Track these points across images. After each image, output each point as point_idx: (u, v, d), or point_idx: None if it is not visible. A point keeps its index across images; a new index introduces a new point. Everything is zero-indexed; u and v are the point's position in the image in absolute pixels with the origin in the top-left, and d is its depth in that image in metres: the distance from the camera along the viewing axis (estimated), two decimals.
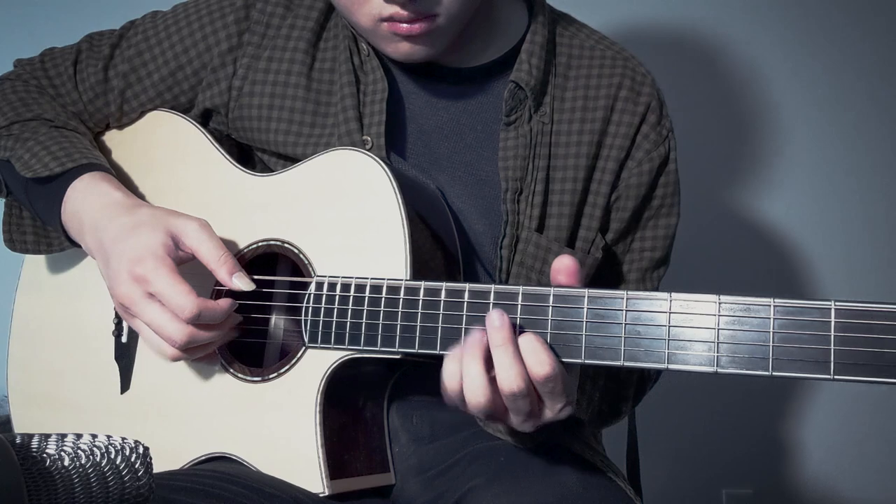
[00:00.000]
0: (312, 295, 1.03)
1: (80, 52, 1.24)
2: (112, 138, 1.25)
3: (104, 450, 0.70)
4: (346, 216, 1.04)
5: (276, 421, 1.04)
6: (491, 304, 0.93)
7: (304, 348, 1.04)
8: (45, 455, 0.68)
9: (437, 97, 1.17)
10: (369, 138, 1.13)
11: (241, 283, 1.03)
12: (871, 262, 1.99)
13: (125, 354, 1.16)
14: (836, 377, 0.81)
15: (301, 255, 1.06)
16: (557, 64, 1.18)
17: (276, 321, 1.14)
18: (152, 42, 1.21)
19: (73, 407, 1.19)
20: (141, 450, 0.72)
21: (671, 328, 0.87)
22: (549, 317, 0.91)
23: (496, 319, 0.89)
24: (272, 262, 1.12)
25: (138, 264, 1.01)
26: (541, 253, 1.13)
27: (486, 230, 1.14)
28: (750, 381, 1.89)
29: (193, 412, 1.10)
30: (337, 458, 1.03)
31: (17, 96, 1.21)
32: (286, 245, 1.07)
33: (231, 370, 1.08)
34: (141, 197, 1.17)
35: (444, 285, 0.96)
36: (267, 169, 1.20)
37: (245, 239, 1.10)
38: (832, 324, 0.81)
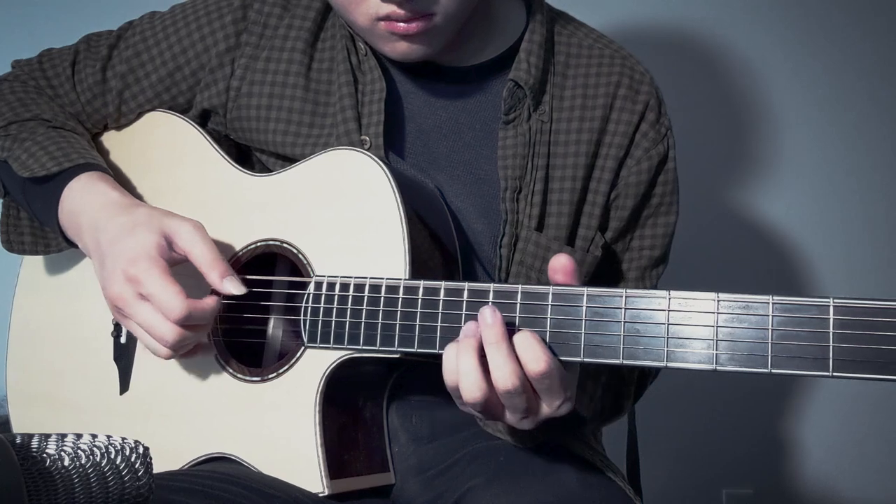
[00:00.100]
0: (311, 295, 1.03)
1: (78, 52, 1.24)
2: (110, 139, 1.25)
3: (104, 450, 0.70)
4: (344, 216, 1.04)
5: (276, 421, 1.04)
6: (490, 304, 0.93)
7: (303, 348, 1.04)
8: (45, 455, 0.68)
9: (436, 96, 1.17)
10: (368, 138, 1.13)
11: (232, 286, 1.03)
12: (871, 262, 1.99)
13: (124, 355, 1.16)
14: (834, 374, 0.81)
15: (300, 255, 1.06)
16: (556, 63, 1.18)
17: (276, 321, 1.14)
18: (150, 43, 1.21)
19: (73, 407, 1.19)
20: (141, 450, 0.73)
21: (670, 326, 0.87)
22: (549, 315, 0.91)
23: (488, 316, 0.89)
24: (271, 263, 1.13)
25: (132, 265, 1.01)
26: (540, 252, 1.13)
27: (485, 229, 1.14)
28: (750, 381, 1.89)
29: (193, 412, 1.10)
30: (336, 457, 1.03)
31: (15, 97, 1.21)
32: (285, 245, 1.08)
33: (230, 370, 1.08)
34: (139, 198, 1.17)
35: (442, 284, 0.96)
36: (265, 169, 1.20)
37: (244, 239, 1.10)
38: (830, 321, 0.81)
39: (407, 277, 0.99)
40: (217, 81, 1.19)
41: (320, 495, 1.01)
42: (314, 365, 1.03)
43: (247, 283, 1.04)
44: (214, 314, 1.03)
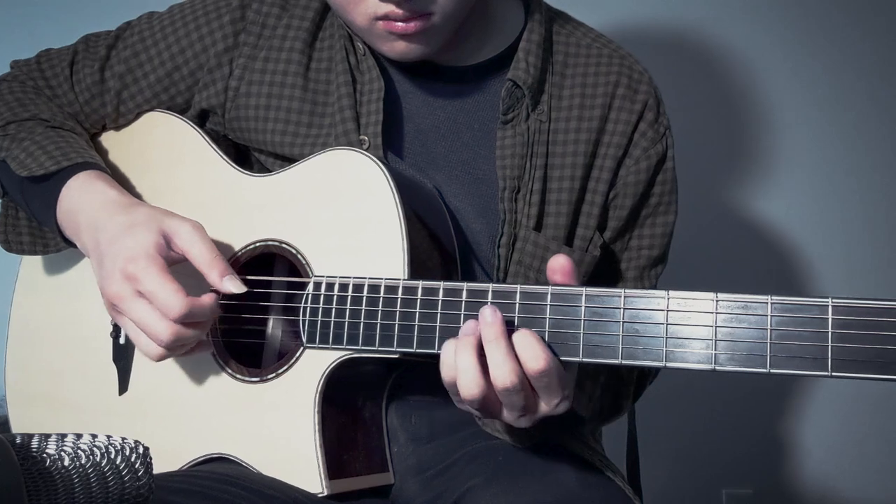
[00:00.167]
0: (310, 295, 1.03)
1: (77, 53, 1.24)
2: (108, 139, 1.25)
3: (104, 450, 0.70)
4: (343, 216, 1.04)
5: (275, 421, 1.04)
6: (489, 304, 0.93)
7: (302, 348, 1.04)
8: (45, 455, 0.68)
9: (434, 96, 1.17)
10: (366, 138, 1.13)
11: (232, 285, 1.03)
12: (871, 262, 1.99)
13: (123, 356, 1.16)
14: (833, 374, 0.81)
15: (298, 256, 1.06)
16: (554, 62, 1.18)
17: (274, 321, 1.14)
18: (148, 43, 1.21)
19: (72, 407, 1.19)
20: (141, 450, 0.73)
21: (669, 326, 0.87)
22: (547, 315, 0.91)
23: (488, 315, 0.89)
24: (270, 263, 1.12)
25: (130, 263, 1.01)
26: (539, 251, 1.13)
27: (484, 229, 1.14)
28: (750, 381, 1.89)
29: (192, 413, 1.10)
30: (336, 458, 1.03)
31: (13, 97, 1.21)
32: (283, 245, 1.08)
33: (229, 371, 1.08)
34: (138, 198, 1.17)
35: (441, 284, 0.96)
36: (264, 169, 1.20)
37: (242, 239, 1.10)
38: (829, 321, 0.81)
39: (406, 277, 0.99)
40: (215, 81, 1.19)
41: (319, 495, 1.01)
42: (313, 365, 1.03)
43: (246, 283, 1.04)
44: (214, 312, 1.03)
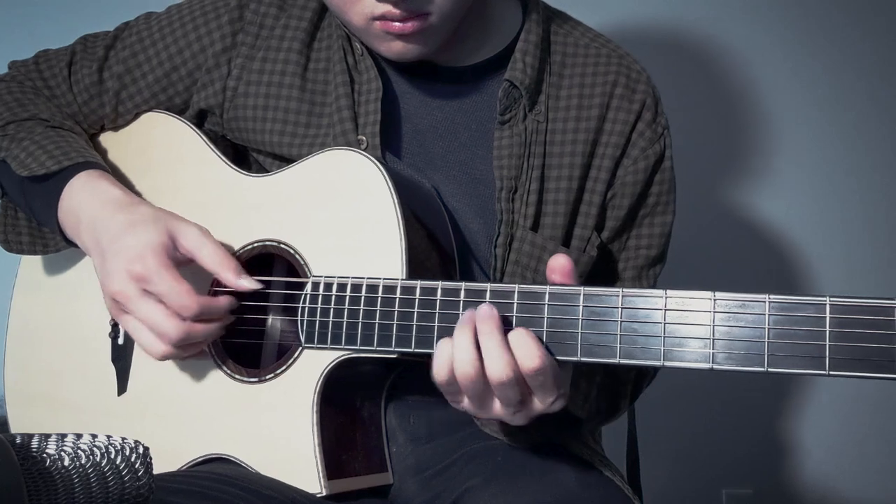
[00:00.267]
0: (308, 295, 1.03)
1: (75, 53, 1.24)
2: (107, 140, 1.25)
3: (104, 450, 0.70)
4: (341, 216, 1.04)
5: (274, 421, 1.04)
6: (488, 302, 0.93)
7: (300, 349, 1.04)
8: (45, 455, 0.68)
9: (432, 96, 1.17)
10: (364, 138, 1.13)
11: (248, 282, 1.04)
12: (871, 262, 1.98)
13: (122, 356, 1.16)
14: (831, 373, 0.81)
15: (297, 256, 1.06)
16: (552, 62, 1.18)
17: (273, 322, 1.14)
18: (146, 43, 1.21)
19: (72, 407, 1.19)
20: (141, 450, 0.73)
21: (667, 325, 0.87)
22: (545, 315, 0.91)
23: (485, 311, 0.90)
24: (268, 263, 1.12)
25: (137, 262, 1.01)
26: (536, 252, 1.13)
27: (482, 229, 1.14)
28: (750, 380, 1.89)
29: (190, 413, 1.10)
30: (334, 458, 1.03)
31: (12, 97, 1.21)
32: (282, 245, 1.08)
33: (228, 371, 1.08)
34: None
35: (439, 284, 0.96)
36: (262, 169, 1.20)
37: (241, 239, 1.10)
38: (827, 319, 0.81)
39: (404, 277, 0.99)
40: (213, 82, 1.19)
41: (318, 496, 1.01)
42: (312, 365, 1.03)
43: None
44: (229, 310, 1.05)
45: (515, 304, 0.92)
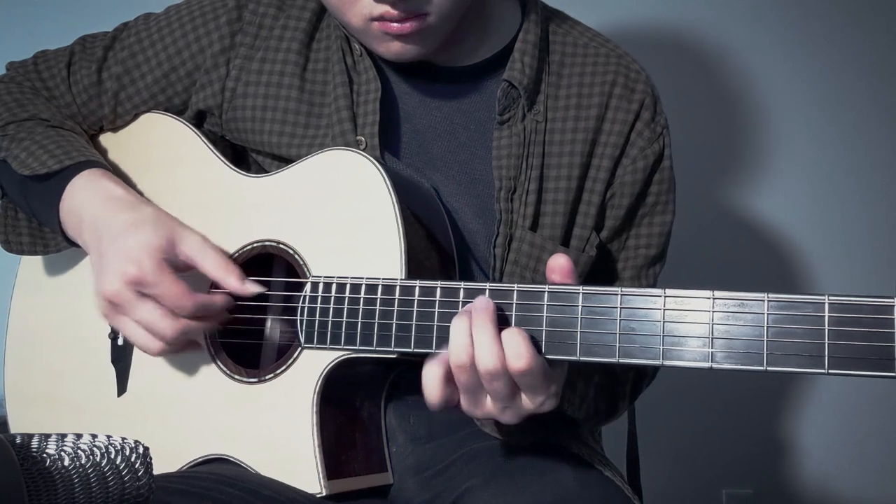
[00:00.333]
0: (308, 295, 1.03)
1: (74, 54, 1.24)
2: (106, 140, 1.25)
3: (104, 450, 0.70)
4: (340, 216, 1.04)
5: (273, 422, 1.04)
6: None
7: (300, 349, 1.04)
8: (45, 455, 0.68)
9: (431, 96, 1.17)
10: (363, 138, 1.13)
11: (253, 287, 1.05)
12: (871, 262, 1.98)
13: (122, 357, 1.16)
14: (830, 371, 0.81)
15: (296, 256, 1.06)
16: (551, 62, 1.18)
17: (272, 322, 1.14)
18: (145, 44, 1.21)
19: (72, 407, 1.19)
20: (141, 450, 0.73)
21: (666, 324, 0.87)
22: (544, 314, 0.91)
23: (481, 302, 0.90)
24: (267, 263, 1.12)
25: (133, 264, 1.01)
26: (535, 251, 1.13)
27: (481, 229, 1.14)
28: (750, 380, 1.89)
29: (190, 414, 1.10)
30: (334, 458, 1.03)
31: (11, 97, 1.21)
32: (281, 246, 1.08)
33: (227, 371, 1.08)
34: None
35: (439, 284, 0.96)
36: (261, 170, 1.20)
37: (240, 240, 1.10)
38: (826, 318, 0.81)
39: (403, 277, 0.99)
40: (212, 82, 1.19)
41: (318, 496, 1.01)
42: (311, 365, 1.03)
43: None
44: (225, 308, 1.06)
45: (514, 304, 0.92)
